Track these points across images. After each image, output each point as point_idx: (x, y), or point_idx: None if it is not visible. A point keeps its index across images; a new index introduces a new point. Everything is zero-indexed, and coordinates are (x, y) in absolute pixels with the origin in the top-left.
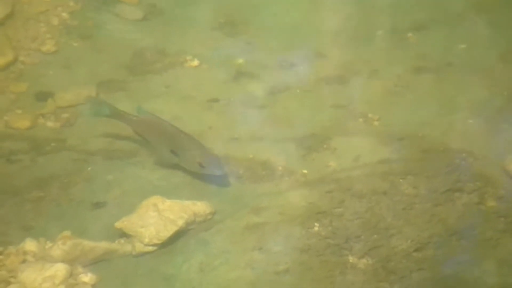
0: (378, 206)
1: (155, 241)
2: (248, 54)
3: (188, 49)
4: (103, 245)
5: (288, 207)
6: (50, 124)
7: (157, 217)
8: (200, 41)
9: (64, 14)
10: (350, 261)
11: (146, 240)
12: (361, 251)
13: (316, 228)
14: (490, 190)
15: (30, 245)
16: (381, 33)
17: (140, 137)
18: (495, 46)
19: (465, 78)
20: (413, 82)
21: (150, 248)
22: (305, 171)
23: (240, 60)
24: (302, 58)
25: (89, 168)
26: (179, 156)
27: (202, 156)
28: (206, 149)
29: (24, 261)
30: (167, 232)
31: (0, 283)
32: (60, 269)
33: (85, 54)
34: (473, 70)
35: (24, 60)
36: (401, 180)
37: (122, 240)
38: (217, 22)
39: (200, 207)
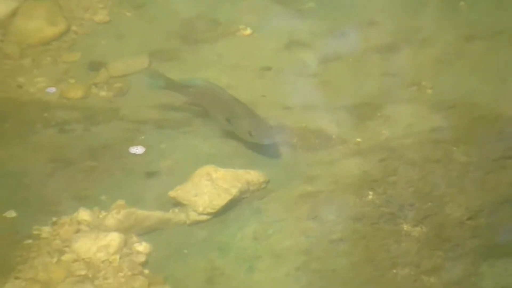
0: (431, 174)
1: (209, 210)
2: (300, 22)
3: (240, 18)
4: (156, 214)
5: (341, 175)
6: (103, 93)
7: (210, 186)
8: (252, 9)
9: None
10: (405, 229)
11: (200, 209)
12: (415, 219)
13: (370, 197)
14: None
15: (84, 214)
16: (432, 1)
17: (196, 107)
18: None
19: None
20: (465, 50)
21: (204, 217)
22: (358, 139)
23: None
24: (354, 26)
25: (142, 137)
26: (233, 124)
27: (252, 125)
28: (257, 118)
29: (78, 231)
30: (221, 200)
31: (54, 252)
32: (114, 238)
33: (137, 23)
34: None
35: (77, 30)
36: (454, 148)
37: (175, 209)
38: None
39: (254, 176)
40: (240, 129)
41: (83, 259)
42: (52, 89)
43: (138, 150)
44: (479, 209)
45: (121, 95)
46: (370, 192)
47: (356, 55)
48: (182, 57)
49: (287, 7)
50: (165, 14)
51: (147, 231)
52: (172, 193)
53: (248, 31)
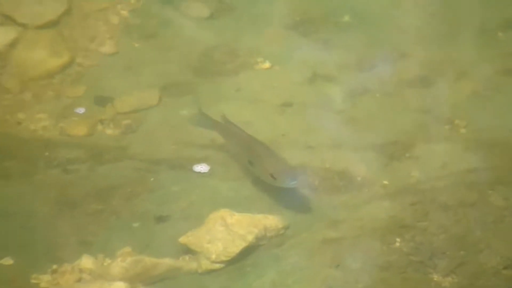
0: (465, 219)
1: (223, 257)
2: (325, 53)
3: (260, 50)
4: (166, 262)
5: (367, 220)
6: (109, 131)
7: (225, 231)
8: (272, 40)
9: (125, 12)
10: (435, 279)
11: (213, 257)
12: (446, 269)
13: (397, 244)
14: None
15: (87, 262)
16: (468, 31)
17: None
18: None
19: None
20: (504, 85)
21: (217, 266)
22: (386, 182)
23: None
24: (383, 58)
25: (152, 179)
26: (255, 167)
27: (274, 167)
28: (279, 160)
29: (80, 280)
30: (236, 248)
31: None
32: (120, 287)
33: (147, 55)
34: None
35: (82, 62)
36: (490, 191)
37: (187, 257)
38: (291, 19)
39: (272, 221)
40: (262, 171)
41: None
42: (81, 110)
43: (202, 168)
44: None
45: (130, 132)
46: (398, 239)
47: (385, 89)
48: (197, 91)
49: (310, 37)
50: (178, 45)
51: (155, 281)
52: (183, 239)
53: (267, 64)
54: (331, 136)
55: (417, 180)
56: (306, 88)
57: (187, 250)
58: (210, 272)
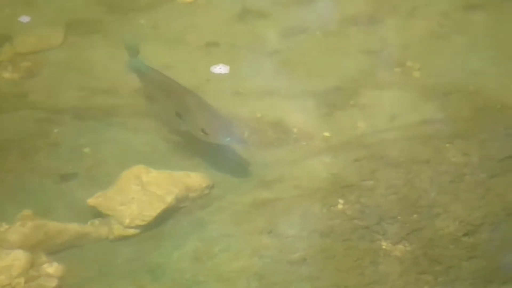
0: (418, 178)
1: (138, 222)
2: None
3: None
4: (72, 228)
5: (305, 179)
6: (6, 74)
7: (140, 192)
8: None
9: None
10: (384, 247)
11: (127, 221)
12: (397, 235)
13: (340, 206)
14: None
15: None
16: None
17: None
18: None
19: None
20: (463, 22)
21: (132, 231)
22: (327, 134)
23: None
24: None
25: (55, 130)
26: (184, 120)
27: (207, 121)
28: (212, 112)
29: None
30: (153, 211)
31: None
32: (18, 258)
33: None
34: None
35: None
36: (447, 145)
37: (96, 221)
38: None
39: (195, 179)
40: (192, 125)
41: None
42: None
43: (222, 69)
44: (479, 223)
45: (31, 76)
46: (341, 201)
47: (326, 28)
48: (107, 30)
49: None
50: None
51: (60, 249)
52: (92, 201)
53: None
54: (263, 82)
55: (363, 133)
56: (234, 26)
57: (97, 214)
58: (123, 238)
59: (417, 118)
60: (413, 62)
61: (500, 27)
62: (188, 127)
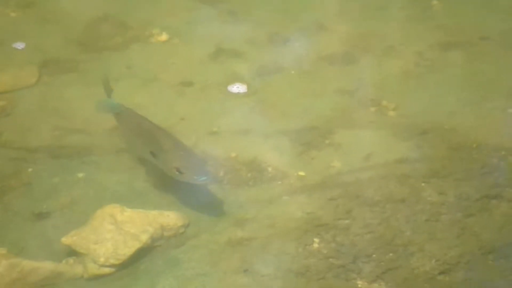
0: (394, 217)
1: (113, 261)
2: (232, 26)
3: (156, 20)
4: (47, 266)
5: (280, 218)
6: None
7: (114, 231)
8: (171, 10)
9: None
10: (359, 286)
11: (101, 260)
12: (372, 274)
13: (315, 245)
14: None
15: None
16: (397, 0)
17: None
18: None
19: (503, 56)
20: (439, 61)
21: (106, 270)
22: (302, 173)
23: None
24: (299, 31)
25: (29, 170)
26: (158, 159)
27: (181, 160)
28: (187, 151)
29: None
30: (128, 249)
31: None
32: None
33: (25, 26)
34: None
35: None
36: (423, 184)
37: (71, 260)
38: None
39: (170, 218)
40: (166, 164)
41: None
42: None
43: (240, 88)
44: (455, 262)
45: (4, 116)
46: (316, 240)
47: (301, 67)
48: (82, 69)
49: (214, 7)
50: (61, 15)
51: (35, 287)
52: (66, 240)
53: (164, 37)
54: (238, 121)
55: (338, 172)
56: (209, 65)
57: (71, 252)
58: (97, 277)
59: (393, 157)
60: (389, 101)
61: (476, 66)
62: (162, 166)
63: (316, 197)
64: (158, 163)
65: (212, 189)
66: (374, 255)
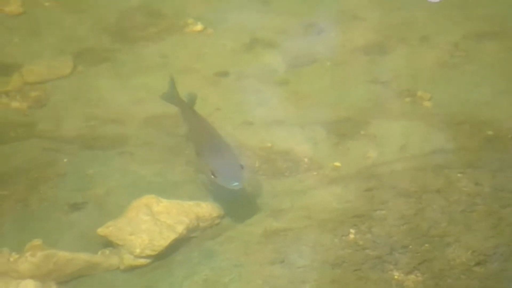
0: (430, 207)
1: (148, 252)
2: (266, 15)
3: (190, 10)
4: (82, 257)
5: (316, 209)
6: (15, 104)
7: (150, 221)
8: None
9: None
10: (396, 277)
11: (137, 251)
12: (409, 265)
13: (351, 236)
14: None
15: None
16: None
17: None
18: None
19: None
20: (474, 52)
21: (142, 261)
22: (337, 164)
23: None
24: (333, 21)
25: (65, 160)
26: (199, 159)
27: (216, 164)
28: (225, 156)
29: None
30: (164, 240)
31: None
32: (30, 287)
33: (59, 16)
34: None
35: None
36: (459, 175)
37: (106, 251)
38: None
39: (205, 209)
40: (204, 166)
41: None
42: None
43: None
44: (491, 253)
45: (39, 106)
46: (352, 230)
47: (336, 58)
48: (116, 59)
49: None
50: (94, 5)
51: (70, 278)
52: (102, 231)
53: (199, 27)
54: (273, 111)
55: (373, 162)
56: (243, 56)
57: (107, 243)
58: (133, 268)
59: (428, 148)
60: (424, 92)
61: (510, 56)
62: (201, 166)
63: (352, 188)
64: (199, 163)
65: (248, 180)
66: (410, 246)
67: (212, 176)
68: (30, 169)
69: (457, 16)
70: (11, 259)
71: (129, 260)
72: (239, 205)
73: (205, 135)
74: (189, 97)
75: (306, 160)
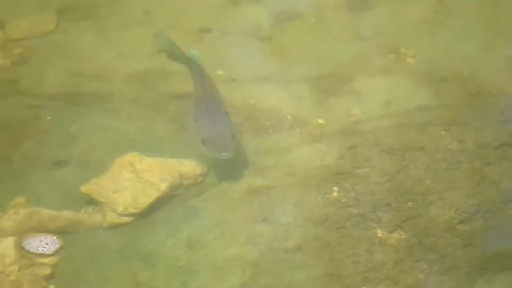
0: (413, 165)
1: (132, 209)
2: None
3: None
4: (65, 215)
5: (299, 166)
6: None
7: (133, 179)
8: None
9: None
10: (379, 235)
11: (120, 209)
12: (392, 223)
13: (335, 194)
14: None
15: None
16: None
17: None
18: None
19: None
20: (458, 7)
21: (125, 219)
22: (321, 121)
23: None
24: None
25: (48, 118)
26: (196, 125)
27: (207, 133)
28: (217, 125)
29: None
30: (147, 198)
31: None
32: (11, 246)
33: None
34: None
35: None
36: (443, 132)
37: (89, 209)
38: None
39: (188, 166)
40: (197, 132)
41: None
42: None
43: None
44: (474, 211)
45: (22, 62)
46: (335, 188)
47: (320, 12)
48: (100, 15)
49: None
50: None
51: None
52: (85, 188)
53: None
54: (256, 68)
55: (357, 119)
56: (227, 11)
57: (90, 201)
58: (116, 226)
59: (412, 105)
60: (407, 48)
61: (496, 12)
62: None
63: (335, 145)
64: (195, 127)
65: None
66: (393, 204)
67: (202, 144)
68: (13, 125)
69: None
70: None
71: (112, 217)
72: (223, 162)
73: (203, 100)
74: (191, 55)
75: (289, 117)
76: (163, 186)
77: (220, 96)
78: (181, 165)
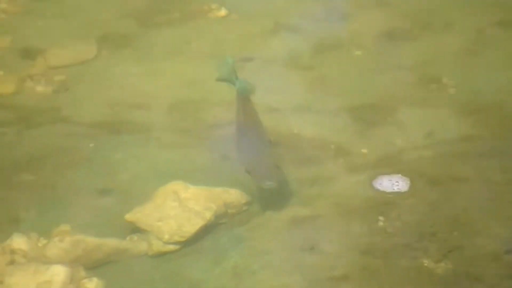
0: (458, 195)
1: (177, 238)
2: (289, 1)
3: None
4: (110, 243)
5: (344, 196)
6: (39, 88)
7: (178, 208)
8: None
9: None
10: (425, 265)
11: (166, 237)
12: (438, 253)
13: (380, 223)
14: None
15: (18, 242)
16: None
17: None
18: None
19: None
20: (498, 38)
21: (171, 247)
22: (364, 151)
23: None
24: (358, 6)
25: (91, 145)
26: (238, 153)
27: (251, 162)
28: (262, 154)
29: (12, 263)
30: (192, 227)
31: None
32: (57, 273)
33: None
34: None
35: (6, 7)
36: (485, 163)
37: (134, 237)
38: None
39: (233, 195)
40: (240, 161)
41: None
42: None
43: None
44: None
45: (64, 90)
46: (381, 218)
47: (361, 43)
48: (139, 44)
49: None
50: None
51: (98, 264)
52: (129, 216)
53: (223, 12)
54: (298, 97)
55: (400, 149)
56: (268, 41)
57: (135, 229)
58: (162, 254)
59: (455, 135)
60: (449, 78)
61: None
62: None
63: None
64: (238, 156)
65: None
66: (439, 234)
67: (247, 172)
68: (57, 154)
69: (480, 4)
70: (40, 244)
71: (158, 246)
72: (266, 192)
73: (246, 129)
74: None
75: (332, 146)
76: (208, 215)
77: (262, 125)
78: (226, 194)
